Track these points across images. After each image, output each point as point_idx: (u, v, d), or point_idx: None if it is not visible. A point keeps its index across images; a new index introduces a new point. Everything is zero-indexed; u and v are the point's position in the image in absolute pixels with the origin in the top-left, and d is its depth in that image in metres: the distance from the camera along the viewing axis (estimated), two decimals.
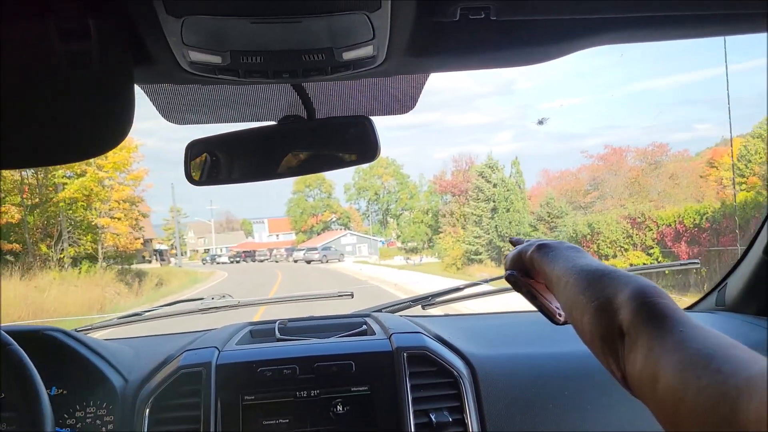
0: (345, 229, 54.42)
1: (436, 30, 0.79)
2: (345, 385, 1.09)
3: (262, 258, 40.16)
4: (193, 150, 1.08)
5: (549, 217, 20.96)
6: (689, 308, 1.58)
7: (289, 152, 1.09)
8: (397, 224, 52.03)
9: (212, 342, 1.19)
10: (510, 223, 22.84)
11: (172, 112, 1.14)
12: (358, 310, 1.47)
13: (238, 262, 41.44)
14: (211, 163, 1.09)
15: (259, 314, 3.50)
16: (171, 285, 17.36)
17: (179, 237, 69.68)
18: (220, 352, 1.14)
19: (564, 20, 0.79)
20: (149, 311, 1.51)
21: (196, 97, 1.07)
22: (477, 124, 61.07)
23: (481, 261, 23.57)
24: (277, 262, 36.47)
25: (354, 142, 1.06)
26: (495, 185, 25.42)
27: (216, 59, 0.76)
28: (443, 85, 49.65)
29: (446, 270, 21.76)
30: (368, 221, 55.29)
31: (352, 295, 1.55)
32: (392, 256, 36.65)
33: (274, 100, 1.09)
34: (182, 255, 63.03)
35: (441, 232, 43.70)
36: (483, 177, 26.07)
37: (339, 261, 31.01)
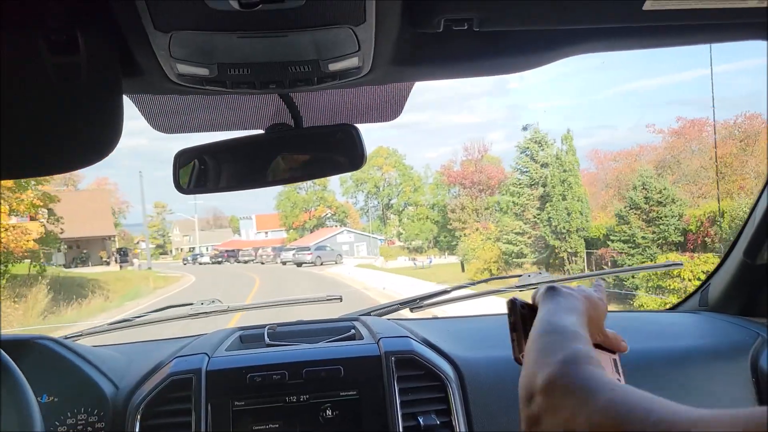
0: (341, 225, 54.46)
1: (420, 41, 0.89)
2: (334, 390, 1.20)
3: (246, 258, 39.85)
4: (182, 158, 1.19)
5: (647, 203, 16.33)
6: (673, 308, 1.74)
7: (277, 160, 1.20)
8: (400, 221, 52.07)
9: (202, 348, 1.29)
10: (569, 214, 18.60)
11: (160, 121, 1.26)
12: (346, 314, 1.60)
13: (220, 262, 40.95)
14: (199, 171, 1.20)
15: (236, 319, 3.68)
16: (95, 301, 14.64)
17: (164, 235, 72.66)
18: (210, 358, 1.23)
19: (545, 31, 0.90)
20: (139, 317, 1.63)
21: (184, 106, 1.18)
22: (469, 124, 64.31)
23: (521, 264, 19.82)
24: (262, 263, 35.98)
25: (340, 150, 1.17)
26: (545, 165, 21.00)
27: (203, 71, 0.84)
28: (434, 85, 51.23)
29: (479, 277, 16.88)
30: (367, 217, 55.60)
31: (341, 299, 1.69)
32: (394, 256, 36.17)
33: (262, 109, 1.21)
34: (169, 253, 64.04)
35: (453, 229, 43.38)
36: (527, 155, 21.87)
37: (336, 263, 30.13)
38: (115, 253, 32.36)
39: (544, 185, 20.48)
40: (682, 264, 1.94)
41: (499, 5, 0.79)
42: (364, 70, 0.90)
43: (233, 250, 43.35)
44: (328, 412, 1.19)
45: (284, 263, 31.21)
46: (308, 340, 1.40)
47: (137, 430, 1.14)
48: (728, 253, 1.51)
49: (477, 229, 26.03)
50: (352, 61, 0.85)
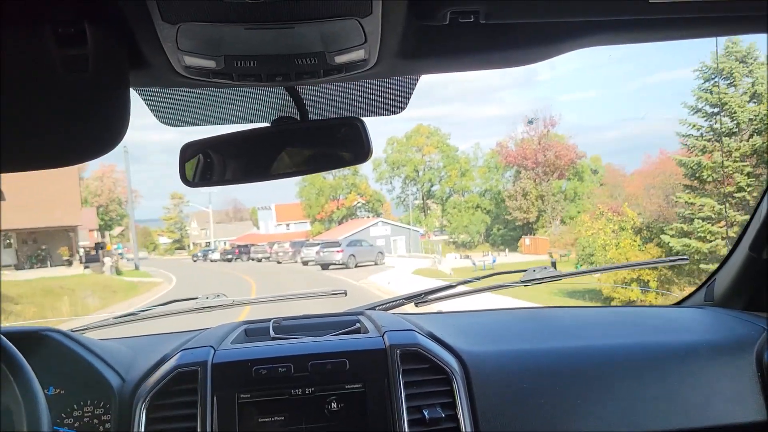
0: (374, 216, 54.05)
1: (426, 33, 1.01)
2: (339, 383, 1.35)
3: (260, 256, 39.07)
4: (188, 152, 1.35)
5: None
6: (679, 303, 1.93)
7: (283, 153, 1.36)
8: (443, 211, 51.40)
9: (208, 341, 1.44)
10: None
11: (166, 114, 1.42)
12: (351, 308, 1.79)
13: (229, 260, 41.22)
14: (204, 164, 1.36)
15: (245, 314, 3.88)
16: None
17: (182, 228, 75.61)
18: (215, 351, 1.38)
19: (551, 23, 1.01)
20: (144, 311, 1.83)
21: (191, 99, 1.34)
22: (496, 116, 69.13)
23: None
24: (279, 262, 34.42)
25: (346, 143, 1.32)
26: (755, 96, 15.18)
27: (210, 63, 0.96)
28: (459, 77, 53.02)
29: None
30: (403, 207, 55.11)
31: (345, 293, 1.86)
32: (442, 253, 34.82)
33: (268, 102, 1.37)
34: (186, 248, 65.43)
35: (513, 219, 41.19)
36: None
37: (377, 264, 27.63)
38: (96, 249, 29.26)
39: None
40: (687, 258, 2.12)
41: None
42: (370, 63, 1.02)
43: (245, 246, 43.72)
44: (334, 405, 1.34)
45: (305, 263, 28.63)
46: (313, 334, 1.56)
47: (143, 422, 1.29)
48: (734, 247, 1.67)
49: (601, 215, 20.15)
50: (359, 54, 0.97)
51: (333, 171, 55.01)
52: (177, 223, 73.65)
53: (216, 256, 44.36)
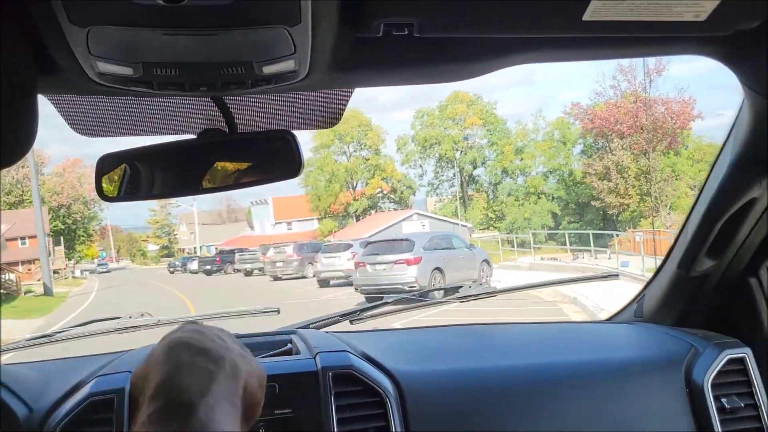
0: (400, 208, 46.19)
1: (359, 45, 1.05)
2: (268, 408, 1.37)
3: (248, 266, 31.60)
4: (106, 164, 1.37)
5: None
6: (609, 319, 2.13)
7: (211, 166, 1.40)
8: (492, 199, 43.15)
9: (127, 366, 1.42)
10: None
11: (83, 124, 1.42)
12: (283, 327, 1.84)
13: (209, 272, 35.81)
14: (130, 177, 1.38)
15: None
16: None
17: (170, 233, 71.26)
18: None
19: (487, 39, 1.09)
20: (60, 332, 1.84)
21: (108, 109, 1.35)
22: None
23: None
24: (278, 278, 26.19)
25: (277, 157, 1.36)
26: None
27: (127, 71, 0.95)
28: (435, 88, 51.82)
29: None
30: (436, 195, 48.08)
31: (278, 311, 1.94)
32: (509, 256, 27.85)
33: (194, 112, 1.40)
34: (175, 255, 60.69)
35: (604, 206, 30.87)
36: None
37: (480, 282, 15.07)
38: None
39: None
40: (618, 275, 2.37)
41: (439, 11, 0.97)
42: (301, 74, 1.06)
43: (230, 252, 37.88)
44: None
45: (325, 282, 20.68)
46: None
47: None
48: (662, 264, 1.83)
49: None
50: (288, 64, 0.99)
51: (348, 149, 43.20)
52: (164, 228, 70.70)
53: (195, 266, 39.00)
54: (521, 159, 42.04)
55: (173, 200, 59.29)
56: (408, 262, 15.20)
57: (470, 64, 1.12)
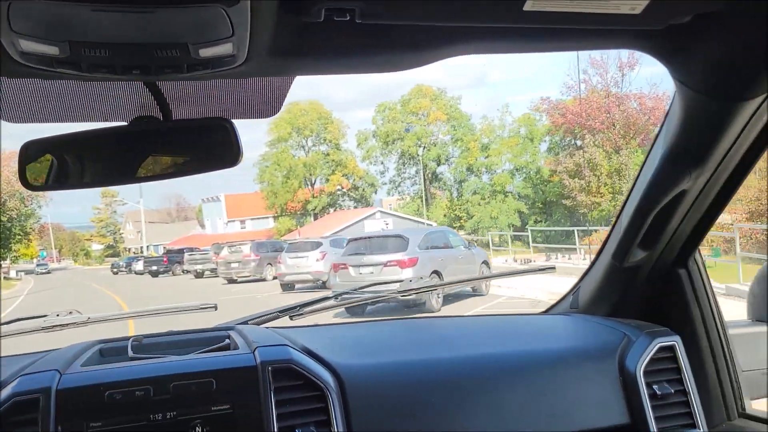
0: (361, 206, 44.68)
1: (300, 31, 1.04)
2: (205, 405, 1.35)
3: (198, 266, 29.01)
4: (30, 151, 1.32)
5: None
6: (546, 311, 2.20)
7: (146, 155, 1.36)
8: (457, 198, 42.06)
9: (53, 364, 1.40)
10: None
11: (6, 109, 1.36)
12: (222, 323, 1.83)
13: (155, 273, 33.29)
14: (59, 166, 1.33)
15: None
16: None
17: (115, 232, 68.89)
18: (62, 375, 1.35)
19: (430, 27, 1.10)
20: None
21: (34, 92, 1.30)
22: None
23: None
24: (233, 280, 23.75)
25: (214, 146, 1.32)
26: None
27: (52, 50, 0.90)
28: (410, 78, 50.79)
29: None
30: (397, 192, 46.09)
31: (215, 307, 1.91)
32: None
33: (126, 98, 1.36)
34: (120, 255, 58.18)
35: (575, 206, 30.02)
36: None
37: (478, 293, 13.94)
38: None
39: None
40: (554, 267, 2.38)
41: None
42: (240, 59, 1.04)
43: (179, 252, 35.43)
44: (198, 429, 1.33)
45: (288, 287, 17.92)
46: (178, 352, 1.58)
47: None
48: (597, 256, 1.91)
49: None
50: (226, 48, 0.97)
51: (306, 144, 41.19)
52: (109, 226, 67.98)
53: (140, 266, 36.98)
54: (487, 156, 41.51)
55: (119, 197, 60.55)
56: (402, 264, 12.07)
57: (413, 53, 1.12)
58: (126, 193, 65.90)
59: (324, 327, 1.92)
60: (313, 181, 45.94)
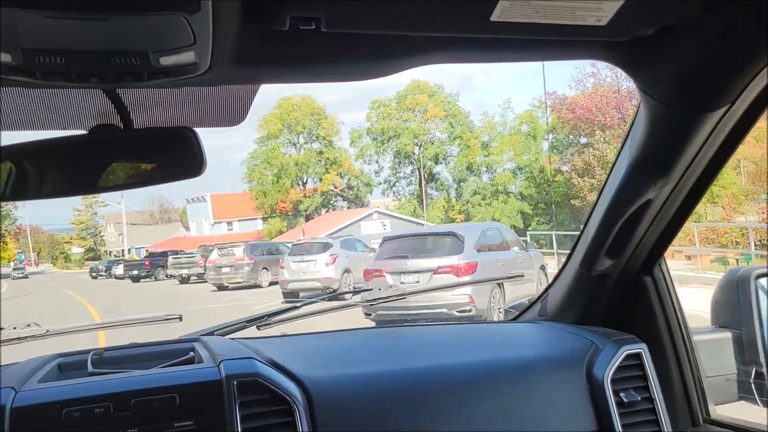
0: (355, 206, 42.60)
1: (265, 39, 1.03)
2: (167, 421, 1.32)
3: (184, 271, 26.67)
4: None
5: None
6: (515, 318, 2.23)
7: (107, 164, 1.34)
8: (455, 199, 40.28)
9: (8, 381, 1.37)
10: None
11: None
12: (186, 335, 1.81)
13: (136, 278, 31.58)
14: (17, 175, 1.29)
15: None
16: None
17: (96, 234, 67.68)
18: (17, 392, 1.31)
19: (397, 37, 1.09)
20: None
21: None
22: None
23: None
24: (224, 286, 21.18)
25: (177, 155, 1.31)
26: None
27: (5, 57, 0.88)
28: (393, 82, 53.21)
29: None
30: (392, 193, 43.96)
31: (180, 318, 1.89)
32: None
33: (86, 106, 1.34)
34: (101, 259, 56.97)
35: (580, 206, 28.92)
36: None
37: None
38: None
39: None
40: (523, 274, 2.79)
41: (346, 6, 0.98)
42: (202, 68, 1.03)
43: (162, 255, 33.18)
44: None
45: (291, 296, 15.00)
46: (140, 366, 1.57)
47: None
48: (565, 264, 1.94)
49: None
50: (188, 56, 0.96)
51: (299, 140, 39.26)
52: (89, 229, 66.46)
53: (120, 270, 34.98)
54: (488, 154, 40.78)
55: (100, 199, 58.69)
56: (458, 271, 9.48)
57: (379, 63, 1.12)
58: (108, 195, 59.14)
59: (292, 338, 1.91)
60: (305, 181, 44.37)
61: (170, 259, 28.76)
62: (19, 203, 43.55)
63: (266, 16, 0.91)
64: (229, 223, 49.92)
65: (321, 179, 43.31)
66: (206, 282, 22.62)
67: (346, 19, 0.96)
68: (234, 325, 1.87)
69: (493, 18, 0.96)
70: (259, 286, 20.00)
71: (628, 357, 1.59)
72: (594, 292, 1.82)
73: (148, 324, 1.87)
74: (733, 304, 1.78)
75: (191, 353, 1.59)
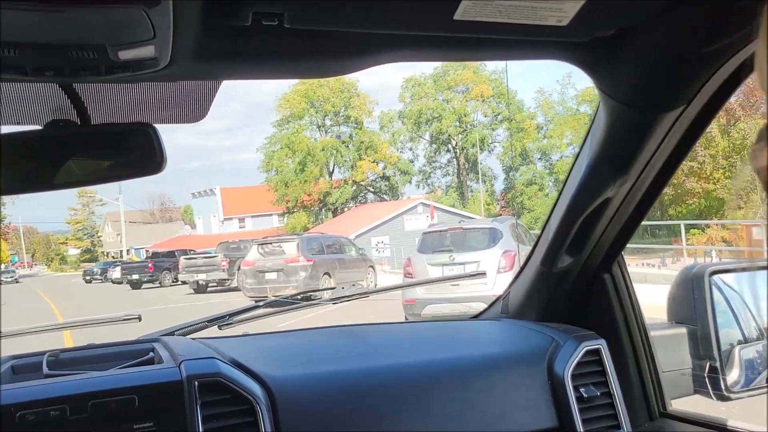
0: (389, 198, 37.18)
1: (227, 34, 1.05)
2: (126, 423, 1.32)
3: (202, 276, 21.91)
4: None
5: None
6: (477, 316, 2.34)
7: (63, 161, 1.34)
8: (507, 191, 35.46)
9: None
10: None
11: None
12: (146, 335, 1.88)
13: (137, 283, 27.74)
14: None
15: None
16: None
17: (93, 234, 65.93)
18: None
19: (361, 34, 1.13)
20: None
21: None
22: None
23: None
24: (259, 299, 16.06)
25: (136, 152, 1.32)
26: None
27: None
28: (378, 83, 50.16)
29: None
30: (426, 185, 38.98)
31: (139, 318, 1.95)
32: None
33: (40, 100, 1.36)
34: (98, 260, 55.61)
35: (684, 192, 25.16)
36: None
37: None
38: None
39: None
40: (485, 273, 3.00)
41: (310, 3, 1.01)
42: (162, 63, 1.05)
43: (170, 255, 29.20)
44: None
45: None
46: (98, 367, 1.60)
47: None
48: (526, 261, 2.05)
49: None
50: (147, 50, 0.97)
51: (326, 124, 34.35)
52: (86, 229, 63.78)
53: (117, 274, 31.86)
54: (545, 137, 36.63)
55: (97, 198, 58.51)
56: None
57: (342, 60, 1.16)
58: (105, 191, 63.53)
59: (254, 337, 1.93)
60: (331, 169, 39.71)
61: (182, 261, 24.10)
62: (6, 200, 39.81)
63: (228, 10, 0.92)
64: (241, 220, 45.63)
65: (353, 167, 38.07)
66: (228, 291, 18.52)
67: (309, 16, 0.98)
68: (195, 324, 1.93)
69: (457, 17, 0.99)
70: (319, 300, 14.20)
71: (588, 353, 1.67)
72: (555, 289, 1.91)
73: (109, 324, 1.91)
74: (688, 300, 1.83)
75: (151, 353, 1.62)
